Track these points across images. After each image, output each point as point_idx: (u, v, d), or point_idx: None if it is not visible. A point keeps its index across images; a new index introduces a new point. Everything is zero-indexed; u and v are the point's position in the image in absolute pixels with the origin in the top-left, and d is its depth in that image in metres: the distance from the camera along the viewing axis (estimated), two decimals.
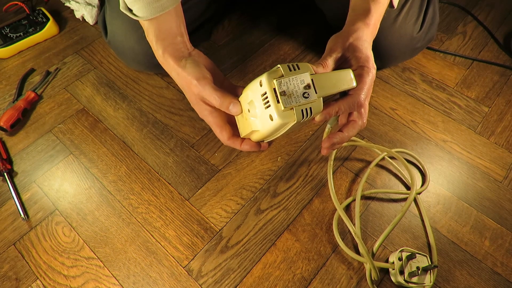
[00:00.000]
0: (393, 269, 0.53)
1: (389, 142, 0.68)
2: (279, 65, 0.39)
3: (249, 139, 0.48)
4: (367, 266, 0.54)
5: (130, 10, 0.49)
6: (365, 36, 0.47)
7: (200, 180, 0.64)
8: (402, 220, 0.60)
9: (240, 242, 0.58)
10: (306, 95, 0.39)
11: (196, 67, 0.47)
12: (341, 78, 0.42)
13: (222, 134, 0.49)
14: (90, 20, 0.88)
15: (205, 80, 0.46)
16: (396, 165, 0.65)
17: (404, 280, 0.52)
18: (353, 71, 0.43)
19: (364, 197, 0.62)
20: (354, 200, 0.61)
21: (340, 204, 0.60)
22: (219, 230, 0.59)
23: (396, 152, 0.65)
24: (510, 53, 0.82)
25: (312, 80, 0.39)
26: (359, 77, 0.43)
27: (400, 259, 0.53)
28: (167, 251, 0.57)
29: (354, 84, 0.42)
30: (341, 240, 0.57)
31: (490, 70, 0.80)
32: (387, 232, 0.57)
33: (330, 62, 0.44)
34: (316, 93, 0.39)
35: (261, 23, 0.88)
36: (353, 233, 0.56)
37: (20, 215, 0.60)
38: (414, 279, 0.52)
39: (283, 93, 0.38)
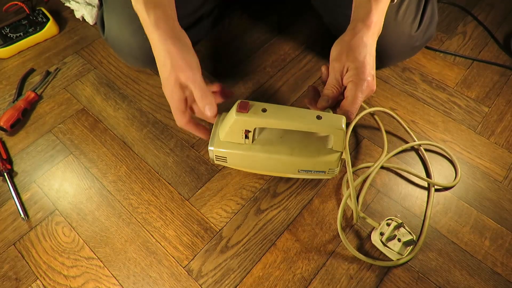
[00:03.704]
0: (377, 229, 0.56)
1: (389, 142, 0.68)
2: None
3: (205, 128, 0.56)
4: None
5: None
6: (365, 37, 0.47)
7: (200, 180, 0.64)
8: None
9: (240, 242, 0.58)
10: None
11: (193, 56, 0.51)
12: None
13: (182, 117, 0.53)
14: (90, 20, 0.88)
15: (199, 73, 0.50)
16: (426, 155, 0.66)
17: (381, 240, 0.55)
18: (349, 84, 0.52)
19: (382, 168, 0.65)
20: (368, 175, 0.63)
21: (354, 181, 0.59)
22: (219, 230, 0.59)
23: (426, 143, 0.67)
24: (510, 53, 0.82)
25: None
26: (353, 88, 0.51)
27: (388, 224, 0.57)
28: (167, 251, 0.57)
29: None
30: (342, 234, 0.57)
31: (490, 70, 0.80)
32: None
33: (336, 86, 0.53)
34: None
35: (261, 23, 0.88)
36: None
37: (20, 215, 0.60)
38: (390, 244, 0.55)
39: None
